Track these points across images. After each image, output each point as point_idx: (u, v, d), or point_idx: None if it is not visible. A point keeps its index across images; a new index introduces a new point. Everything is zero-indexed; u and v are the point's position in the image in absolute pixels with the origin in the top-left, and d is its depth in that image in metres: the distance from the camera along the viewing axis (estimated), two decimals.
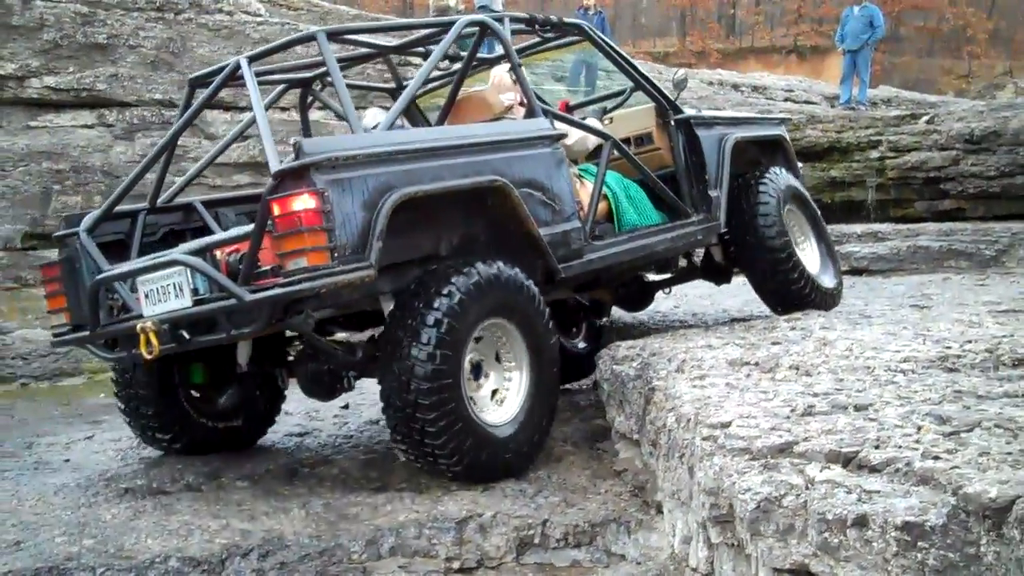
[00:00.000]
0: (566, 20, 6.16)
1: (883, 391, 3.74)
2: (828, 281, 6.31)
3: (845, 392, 3.78)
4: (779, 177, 6.10)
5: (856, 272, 11.00)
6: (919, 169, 13.26)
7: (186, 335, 4.62)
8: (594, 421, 5.96)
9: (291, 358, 5.61)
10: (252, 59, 5.05)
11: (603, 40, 6.20)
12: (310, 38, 5.01)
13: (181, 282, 4.49)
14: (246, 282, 4.27)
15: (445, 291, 4.47)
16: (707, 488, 3.22)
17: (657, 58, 32.88)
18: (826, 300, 6.26)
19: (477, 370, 4.84)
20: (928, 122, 13.72)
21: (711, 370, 4.62)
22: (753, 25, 42.32)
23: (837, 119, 14.92)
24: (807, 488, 2.81)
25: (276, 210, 4.15)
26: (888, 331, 5.31)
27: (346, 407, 6.86)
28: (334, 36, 5.25)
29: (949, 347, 4.54)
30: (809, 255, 6.37)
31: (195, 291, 4.49)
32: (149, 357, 4.55)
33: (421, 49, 6.10)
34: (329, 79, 5.56)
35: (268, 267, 4.31)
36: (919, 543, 2.47)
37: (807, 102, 19.70)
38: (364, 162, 4.37)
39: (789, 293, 5.89)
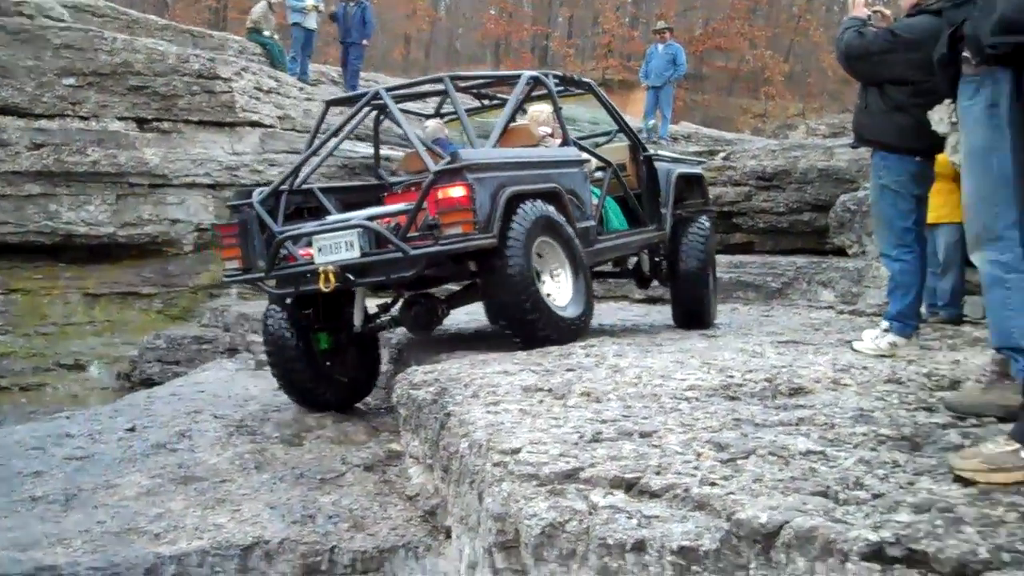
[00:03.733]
0: (583, 79, 8.24)
1: (667, 418, 3.83)
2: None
3: (632, 419, 3.86)
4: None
5: (651, 301, 11.28)
6: (714, 203, 13.75)
7: (352, 277, 6.19)
8: (389, 445, 5.91)
9: (395, 310, 7.28)
10: (389, 89, 7.29)
11: (603, 95, 8.28)
12: (439, 80, 7.20)
13: (352, 240, 6.14)
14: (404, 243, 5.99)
15: (516, 226, 6.19)
16: (494, 514, 3.22)
17: None
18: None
19: (538, 275, 6.48)
20: (724, 159, 14.22)
21: (506, 396, 4.63)
22: (565, 57, 43.10)
23: None
24: (590, 514, 2.85)
25: (440, 194, 5.95)
26: (676, 359, 5.45)
27: (132, 429, 6.59)
28: (456, 79, 7.32)
29: (732, 376, 4.70)
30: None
31: (361, 248, 6.13)
32: (326, 290, 6.11)
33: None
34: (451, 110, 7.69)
35: (416, 232, 6.16)
36: (693, 567, 2.52)
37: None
38: (491, 168, 6.28)
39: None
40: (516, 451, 3.49)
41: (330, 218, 6.72)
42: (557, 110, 7.47)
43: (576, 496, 2.99)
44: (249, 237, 6.60)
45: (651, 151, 8.46)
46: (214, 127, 14.21)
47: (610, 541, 2.69)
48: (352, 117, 7.33)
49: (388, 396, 7.28)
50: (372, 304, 7.38)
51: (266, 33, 18.99)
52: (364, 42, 18.78)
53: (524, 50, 44.58)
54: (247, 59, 17.17)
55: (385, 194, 7.68)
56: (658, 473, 3.01)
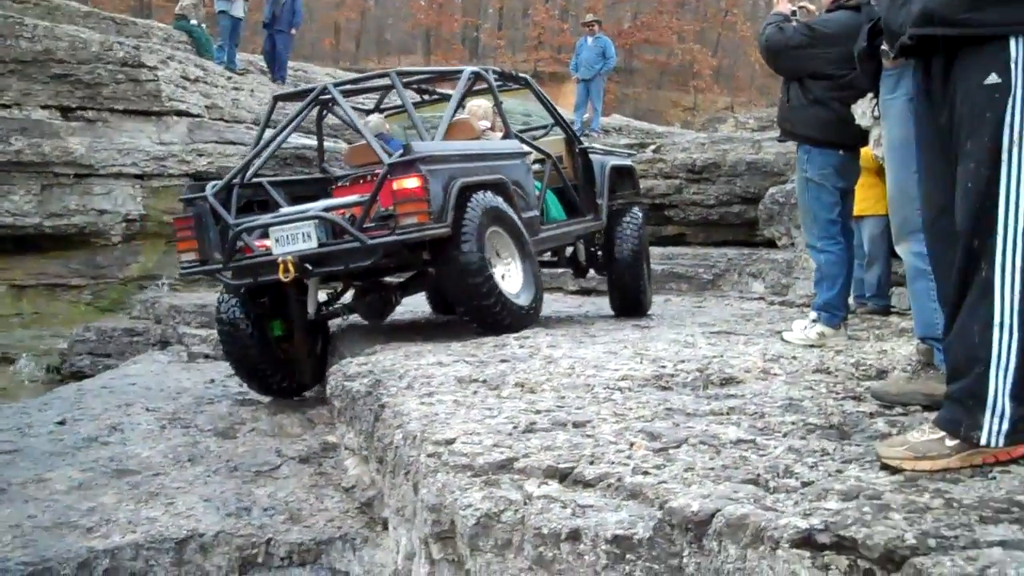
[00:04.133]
0: (520, 75, 8.56)
1: (601, 408, 3.88)
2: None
3: (566, 409, 3.90)
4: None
5: (584, 292, 11.37)
6: (646, 196, 13.85)
7: (310, 267, 6.35)
8: (324, 437, 5.91)
9: (347, 298, 7.59)
10: (336, 85, 7.47)
11: (539, 90, 8.59)
12: (386, 75, 7.48)
13: (309, 231, 6.36)
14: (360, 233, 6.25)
15: (468, 215, 6.44)
16: (430, 504, 3.25)
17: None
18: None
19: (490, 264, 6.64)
20: (655, 151, 14.35)
21: (440, 387, 4.65)
22: (495, 49, 43.13)
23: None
24: (525, 503, 2.88)
25: (395, 186, 6.21)
26: (610, 350, 5.51)
27: (62, 423, 6.50)
28: (402, 75, 7.58)
29: (664, 366, 4.76)
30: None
31: (318, 238, 6.34)
32: (285, 280, 6.30)
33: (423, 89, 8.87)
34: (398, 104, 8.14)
35: (371, 223, 6.41)
36: (627, 555, 2.57)
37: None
38: (442, 159, 6.54)
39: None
40: (450, 442, 3.52)
41: (286, 209, 6.95)
42: (498, 104, 7.72)
43: (511, 486, 3.03)
44: (204, 229, 6.73)
45: (585, 144, 8.76)
46: (140, 116, 14.02)
47: (545, 531, 2.72)
48: (301, 112, 7.37)
49: (322, 388, 7.28)
50: (322, 293, 7.53)
51: (193, 21, 18.75)
52: (292, 31, 18.62)
53: (455, 41, 44.52)
54: (172, 47, 16.95)
55: (332, 187, 7.81)
56: (592, 463, 3.06)
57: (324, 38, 42.53)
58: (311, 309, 7.14)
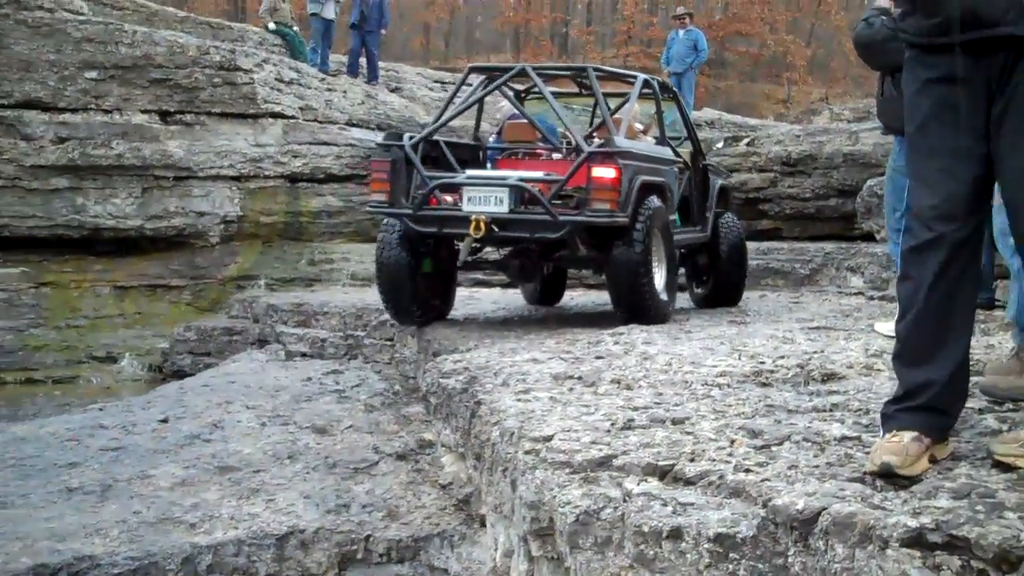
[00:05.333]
0: (673, 88, 9.13)
1: (699, 405, 3.84)
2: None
3: (663, 406, 3.87)
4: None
5: (678, 288, 11.25)
6: (739, 190, 13.67)
7: (496, 229, 6.97)
8: (420, 434, 5.94)
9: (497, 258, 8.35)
10: (534, 68, 8.19)
11: (683, 104, 9.10)
12: (583, 69, 8.31)
13: (503, 196, 7.00)
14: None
15: (643, 212, 7.16)
16: (528, 501, 3.24)
17: None
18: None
19: None
20: (748, 144, 14.17)
21: (536, 384, 4.65)
22: (585, 44, 43.01)
23: None
24: (625, 501, 2.86)
25: (594, 172, 6.91)
26: (706, 346, 5.46)
27: (165, 421, 6.63)
28: (597, 70, 8.27)
29: (763, 362, 4.70)
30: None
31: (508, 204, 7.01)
32: (476, 236, 7.00)
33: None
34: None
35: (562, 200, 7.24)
36: (730, 554, 2.53)
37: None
38: (630, 156, 7.20)
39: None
40: (548, 439, 3.51)
41: (481, 172, 7.73)
42: (659, 112, 8.34)
43: (610, 484, 3.01)
44: (397, 176, 7.35)
45: (709, 161, 9.53)
46: (237, 119, 14.27)
47: (646, 528, 2.70)
48: (496, 86, 8.03)
49: (416, 385, 7.34)
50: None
51: (271, 26, 19.02)
52: (382, 31, 18.82)
53: (543, 38, 44.49)
54: (267, 50, 17.22)
55: (491, 156, 8.50)
56: (692, 460, 3.02)
57: (414, 38, 42.85)
58: (463, 256, 7.73)
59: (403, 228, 7.44)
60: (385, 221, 7.70)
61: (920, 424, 2.77)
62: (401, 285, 7.66)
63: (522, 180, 7.20)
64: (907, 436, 2.73)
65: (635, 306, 7.24)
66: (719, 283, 9.12)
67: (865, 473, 2.74)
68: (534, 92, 8.67)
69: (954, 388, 2.88)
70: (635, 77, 8.39)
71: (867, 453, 2.89)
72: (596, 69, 8.20)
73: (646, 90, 8.26)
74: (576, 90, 9.39)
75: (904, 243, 2.94)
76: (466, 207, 7.08)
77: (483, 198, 7.05)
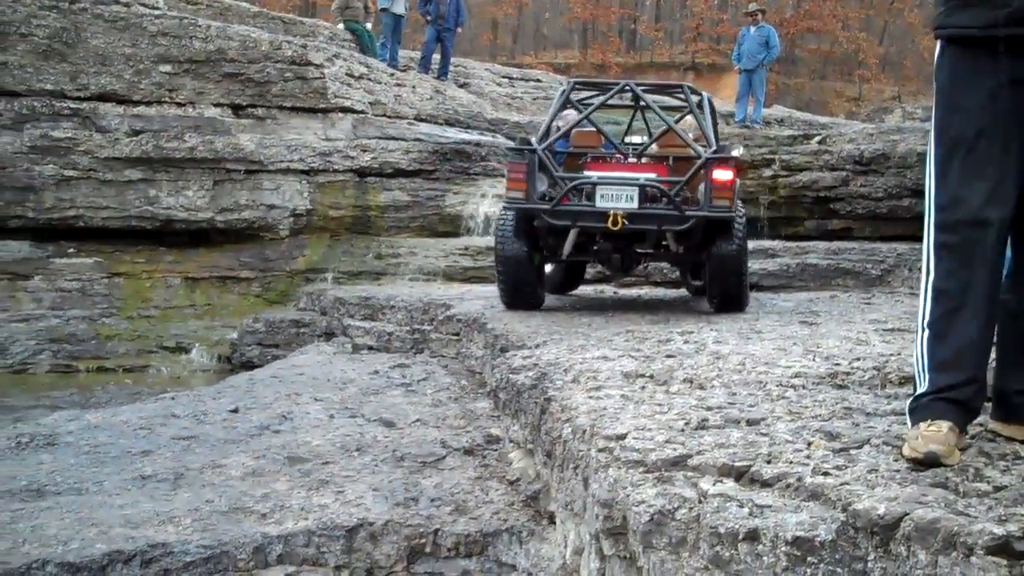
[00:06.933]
0: (705, 95, 9.22)
1: (775, 406, 3.79)
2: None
3: (738, 406, 3.83)
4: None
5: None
6: (810, 188, 13.54)
7: (627, 222, 7.66)
8: (488, 430, 5.94)
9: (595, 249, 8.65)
10: (637, 84, 9.11)
11: (714, 110, 9.41)
12: (679, 87, 9.24)
13: (632, 194, 7.75)
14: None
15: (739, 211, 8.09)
16: (601, 500, 3.22)
17: (558, 69, 33.01)
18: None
19: None
20: (820, 143, 14.02)
21: (607, 382, 4.62)
22: (653, 41, 42.82)
23: (732, 137, 15.15)
24: (700, 501, 2.83)
25: (715, 175, 7.71)
26: (779, 346, 5.39)
27: (235, 411, 6.70)
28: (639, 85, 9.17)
29: (838, 364, 4.63)
30: None
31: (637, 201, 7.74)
32: (614, 229, 7.67)
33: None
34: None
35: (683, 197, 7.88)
36: (808, 558, 2.49)
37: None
38: (736, 162, 8.07)
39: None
40: (621, 437, 3.48)
41: (612, 173, 8.31)
42: (707, 118, 8.74)
43: (684, 483, 2.98)
44: (532, 175, 7.99)
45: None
46: (307, 113, 14.39)
47: (721, 530, 2.66)
48: (604, 100, 8.88)
49: (482, 381, 7.35)
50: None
51: (340, 25, 19.16)
52: (458, 30, 18.91)
53: (611, 34, 44.37)
54: (338, 45, 17.36)
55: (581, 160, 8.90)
56: (768, 462, 2.98)
57: (482, 33, 42.93)
58: (566, 250, 8.35)
59: (516, 223, 8.16)
60: (500, 218, 8.45)
61: (954, 416, 2.87)
62: (521, 274, 8.37)
63: (648, 180, 7.96)
64: (944, 426, 2.82)
65: (733, 297, 8.19)
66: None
67: (905, 459, 2.82)
68: (588, 102, 9.25)
69: (983, 385, 2.98)
70: (689, 89, 9.08)
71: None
72: (692, 89, 9.04)
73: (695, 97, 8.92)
74: (626, 102, 10.08)
75: (941, 238, 2.98)
76: (599, 203, 7.77)
77: (615, 195, 7.77)
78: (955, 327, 2.93)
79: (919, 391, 2.99)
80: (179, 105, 13.69)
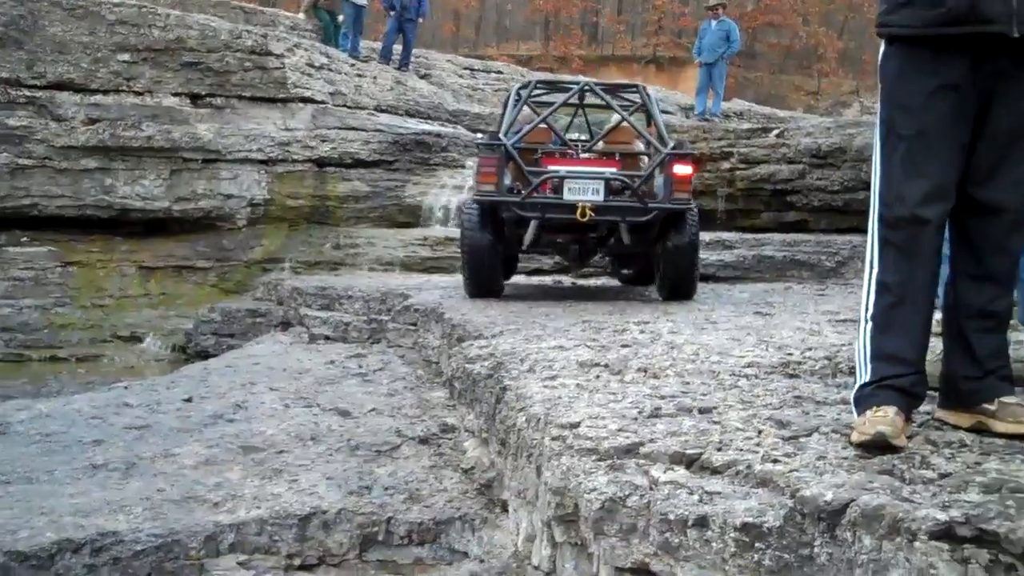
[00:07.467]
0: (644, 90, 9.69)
1: (727, 395, 3.82)
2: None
3: (691, 395, 3.85)
4: None
5: (703, 279, 11.20)
6: (767, 181, 13.62)
7: (593, 213, 7.92)
8: (444, 419, 5.93)
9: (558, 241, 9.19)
10: (596, 83, 9.70)
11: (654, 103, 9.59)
12: (635, 86, 9.70)
13: (598, 187, 8.07)
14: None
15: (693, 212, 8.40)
16: (553, 487, 3.22)
17: (520, 61, 32.97)
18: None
19: None
20: (778, 136, 14.09)
21: (562, 371, 4.63)
22: (615, 34, 42.86)
23: (692, 129, 15.19)
24: (651, 489, 2.84)
25: (676, 169, 8.07)
26: (733, 337, 5.43)
27: (189, 400, 6.66)
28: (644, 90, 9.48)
29: (790, 354, 4.67)
30: None
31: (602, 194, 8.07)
32: (582, 220, 7.92)
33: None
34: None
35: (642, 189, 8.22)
36: (756, 544, 2.51)
37: (663, 112, 20.01)
38: (692, 157, 8.50)
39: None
40: (575, 425, 3.49)
41: (580, 168, 8.57)
42: (657, 115, 9.13)
43: (636, 471, 2.99)
44: (501, 169, 8.25)
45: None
46: (266, 103, 14.32)
47: (671, 516, 2.68)
48: (564, 100, 9.35)
49: (438, 370, 7.33)
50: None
51: (311, 9, 19.10)
52: (420, 20, 18.87)
53: (574, 27, 44.34)
54: (299, 35, 17.27)
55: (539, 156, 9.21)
56: (719, 449, 3.00)
57: (444, 25, 42.82)
58: (526, 241, 8.72)
59: (482, 215, 8.41)
60: (467, 210, 8.76)
61: (899, 401, 2.93)
62: (486, 263, 8.65)
63: (614, 174, 8.29)
64: (891, 411, 2.88)
65: (685, 286, 8.51)
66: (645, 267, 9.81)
67: (853, 445, 2.88)
68: (539, 99, 9.81)
69: (924, 375, 3.06)
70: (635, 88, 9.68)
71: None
72: (644, 89, 9.46)
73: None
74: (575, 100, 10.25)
75: (885, 233, 3.05)
76: (567, 196, 8.07)
77: (582, 188, 8.10)
78: (897, 320, 2.98)
79: (862, 381, 3.04)
80: (137, 94, 13.57)
